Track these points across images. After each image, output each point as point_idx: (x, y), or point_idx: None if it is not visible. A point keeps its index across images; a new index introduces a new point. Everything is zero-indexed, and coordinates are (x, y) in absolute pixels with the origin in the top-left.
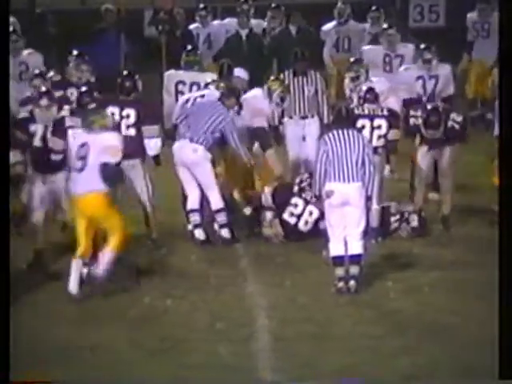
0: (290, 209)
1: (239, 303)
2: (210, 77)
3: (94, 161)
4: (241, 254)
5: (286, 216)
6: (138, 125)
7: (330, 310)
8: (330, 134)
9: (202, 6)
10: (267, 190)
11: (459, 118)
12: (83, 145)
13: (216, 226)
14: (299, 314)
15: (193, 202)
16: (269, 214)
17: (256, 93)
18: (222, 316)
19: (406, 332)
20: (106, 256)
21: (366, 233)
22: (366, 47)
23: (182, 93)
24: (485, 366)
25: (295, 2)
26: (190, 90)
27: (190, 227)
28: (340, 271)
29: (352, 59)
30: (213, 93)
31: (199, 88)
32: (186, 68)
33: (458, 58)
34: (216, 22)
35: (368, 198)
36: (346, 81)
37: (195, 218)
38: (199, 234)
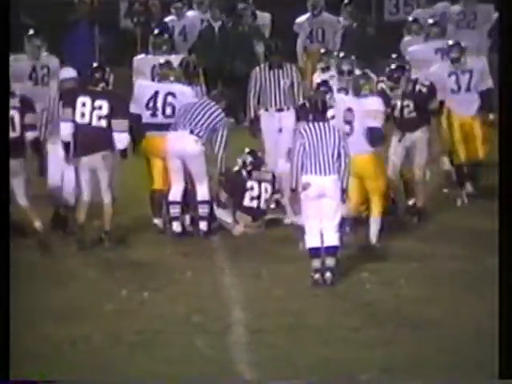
0: (249, 193)
1: (215, 295)
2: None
3: (360, 125)
4: (216, 246)
5: (246, 203)
6: (109, 117)
7: (307, 302)
8: (306, 127)
9: None
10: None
11: (427, 82)
12: (349, 110)
13: (188, 220)
14: (276, 306)
15: (175, 193)
16: (225, 212)
17: None
18: (198, 308)
19: (382, 324)
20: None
21: (342, 225)
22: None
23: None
24: (464, 357)
25: None
26: None
27: (156, 221)
28: (316, 263)
29: (322, 50)
30: (183, 89)
31: None
32: (155, 51)
33: None
34: (191, 14)
35: (343, 191)
36: (316, 73)
37: (175, 210)
38: (177, 226)
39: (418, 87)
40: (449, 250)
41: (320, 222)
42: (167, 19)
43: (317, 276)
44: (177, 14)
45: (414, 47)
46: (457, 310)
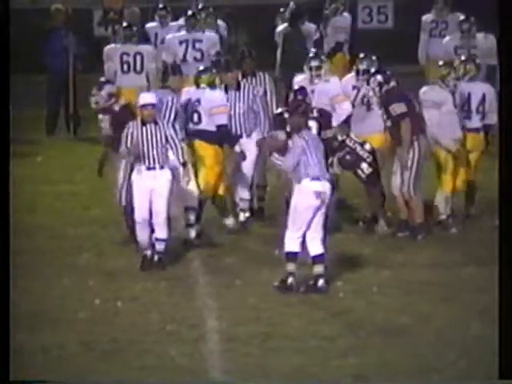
0: None
1: (190, 304)
2: (149, 49)
3: None
4: (192, 255)
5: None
6: None
7: (281, 310)
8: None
9: (161, 6)
10: None
11: (392, 83)
12: None
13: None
14: (250, 314)
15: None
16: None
17: None
18: (172, 317)
19: (356, 332)
20: None
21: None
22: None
23: (128, 63)
24: (438, 366)
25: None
26: (135, 60)
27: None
28: (291, 267)
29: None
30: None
31: (142, 58)
32: (125, 41)
33: (406, 58)
34: (175, 23)
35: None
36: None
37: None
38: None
39: (384, 88)
40: (421, 258)
41: (307, 228)
42: (148, 25)
43: (290, 280)
44: (160, 22)
45: None
46: (431, 319)
